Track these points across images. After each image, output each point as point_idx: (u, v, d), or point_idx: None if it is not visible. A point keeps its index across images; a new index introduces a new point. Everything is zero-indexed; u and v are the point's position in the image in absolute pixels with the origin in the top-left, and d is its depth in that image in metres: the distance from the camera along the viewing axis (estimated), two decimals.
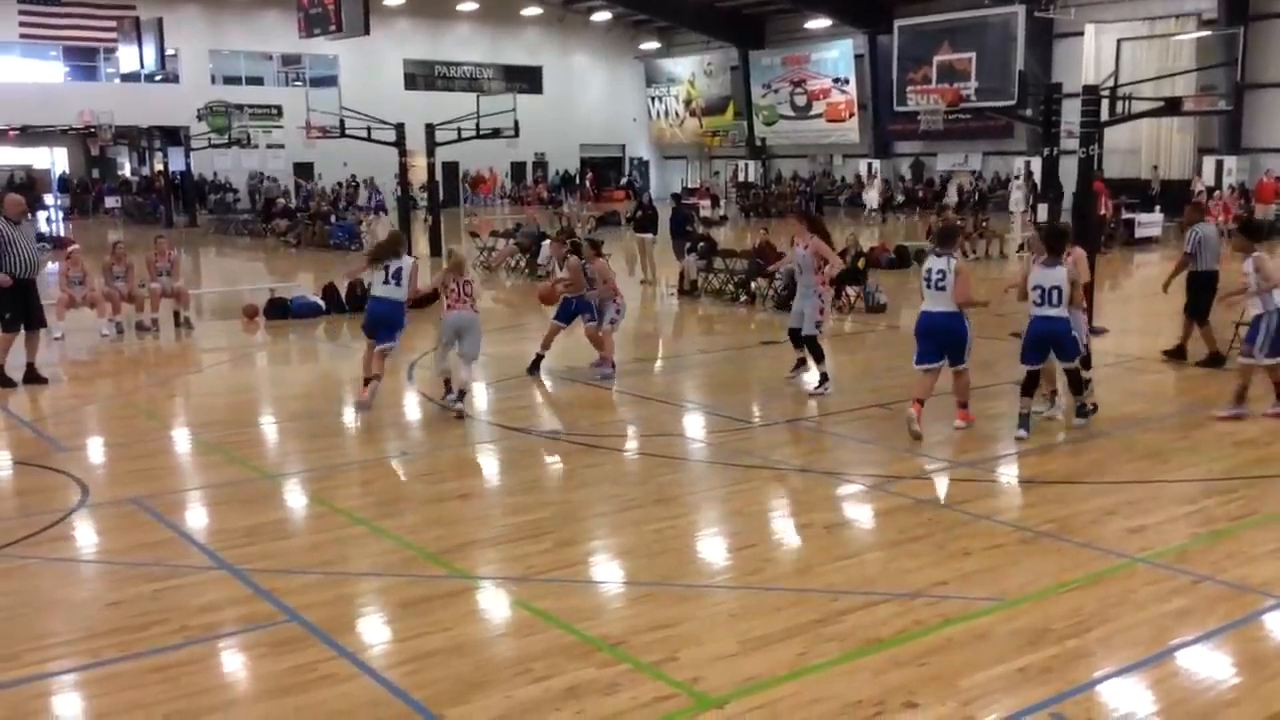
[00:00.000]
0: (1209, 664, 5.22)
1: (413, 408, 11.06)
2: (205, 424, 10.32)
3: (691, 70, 52.74)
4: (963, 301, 9.18)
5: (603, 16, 51.76)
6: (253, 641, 5.54)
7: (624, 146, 56.52)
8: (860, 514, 7.66)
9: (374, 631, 5.72)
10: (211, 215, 41.26)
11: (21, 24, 36.75)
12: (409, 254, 10.94)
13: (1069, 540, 6.76)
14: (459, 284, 10.62)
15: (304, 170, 46.04)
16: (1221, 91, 18.25)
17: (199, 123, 38.34)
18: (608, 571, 6.58)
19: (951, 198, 38.35)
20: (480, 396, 11.23)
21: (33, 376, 11.80)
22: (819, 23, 45.16)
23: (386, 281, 10.62)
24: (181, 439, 9.93)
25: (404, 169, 27.76)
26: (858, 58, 44.53)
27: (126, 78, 41.83)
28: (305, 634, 5.55)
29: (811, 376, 11.24)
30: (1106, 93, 15.22)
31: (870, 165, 44.82)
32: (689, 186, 47.74)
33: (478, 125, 29.07)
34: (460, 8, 49.51)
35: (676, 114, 53.98)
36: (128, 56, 39.16)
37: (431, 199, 29.27)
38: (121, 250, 16.05)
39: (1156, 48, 29.68)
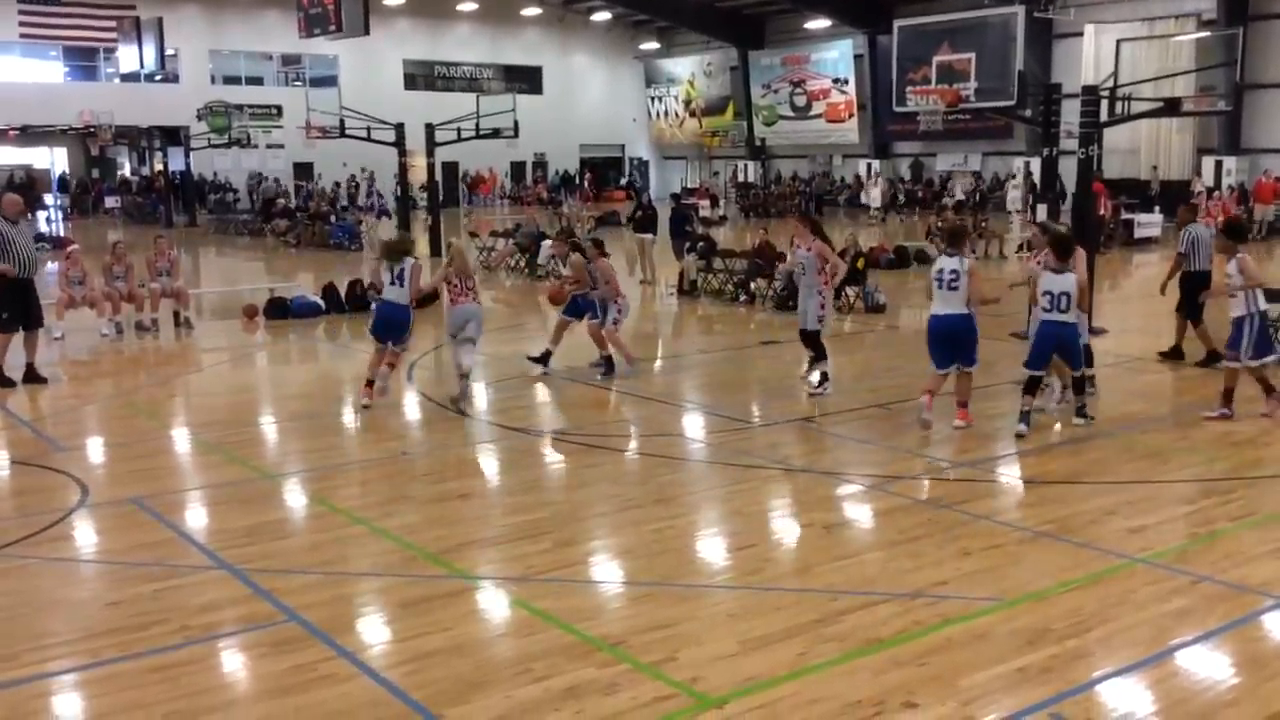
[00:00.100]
0: (1208, 664, 5.22)
1: (413, 408, 11.06)
2: (205, 424, 10.32)
3: (691, 70, 52.74)
4: (978, 300, 9.32)
5: (602, 16, 51.76)
6: (252, 641, 5.54)
7: (624, 147, 56.51)
8: (860, 514, 7.67)
9: (374, 631, 5.72)
10: (211, 215, 41.24)
11: (21, 24, 36.75)
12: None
13: (1068, 540, 6.77)
14: (460, 278, 10.83)
15: (304, 170, 46.03)
16: (1221, 92, 18.25)
17: (199, 123, 38.34)
18: (607, 571, 6.58)
19: (959, 197, 38.38)
20: (480, 396, 11.23)
21: (32, 376, 11.80)
22: (819, 23, 45.15)
23: (393, 283, 10.72)
24: (181, 439, 9.93)
25: (404, 169, 27.76)
26: (857, 58, 44.52)
27: (126, 77, 41.83)
28: (305, 634, 5.55)
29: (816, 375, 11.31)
30: (1106, 93, 15.23)
31: (870, 165, 44.82)
32: (688, 186, 47.75)
33: (477, 125, 29.07)
34: (460, 8, 49.51)
35: (676, 114, 53.98)
36: (127, 56, 39.15)
37: (431, 199, 29.29)
38: (121, 250, 16.05)
39: (1156, 48, 29.67)
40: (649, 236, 21.26)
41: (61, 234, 33.24)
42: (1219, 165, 33.20)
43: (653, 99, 54.99)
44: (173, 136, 41.14)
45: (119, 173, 50.26)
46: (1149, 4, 34.24)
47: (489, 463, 9.14)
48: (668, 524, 7.23)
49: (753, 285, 18.02)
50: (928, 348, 9.59)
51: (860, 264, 17.34)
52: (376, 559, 6.70)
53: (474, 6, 49.33)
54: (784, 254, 18.03)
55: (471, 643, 5.50)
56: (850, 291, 16.70)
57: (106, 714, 4.87)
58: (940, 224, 26.14)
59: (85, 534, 7.28)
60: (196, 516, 7.66)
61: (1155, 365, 12.34)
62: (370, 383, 10.69)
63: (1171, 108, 16.04)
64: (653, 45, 54.14)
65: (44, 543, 6.98)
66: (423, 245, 26.15)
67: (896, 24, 17.63)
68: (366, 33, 29.53)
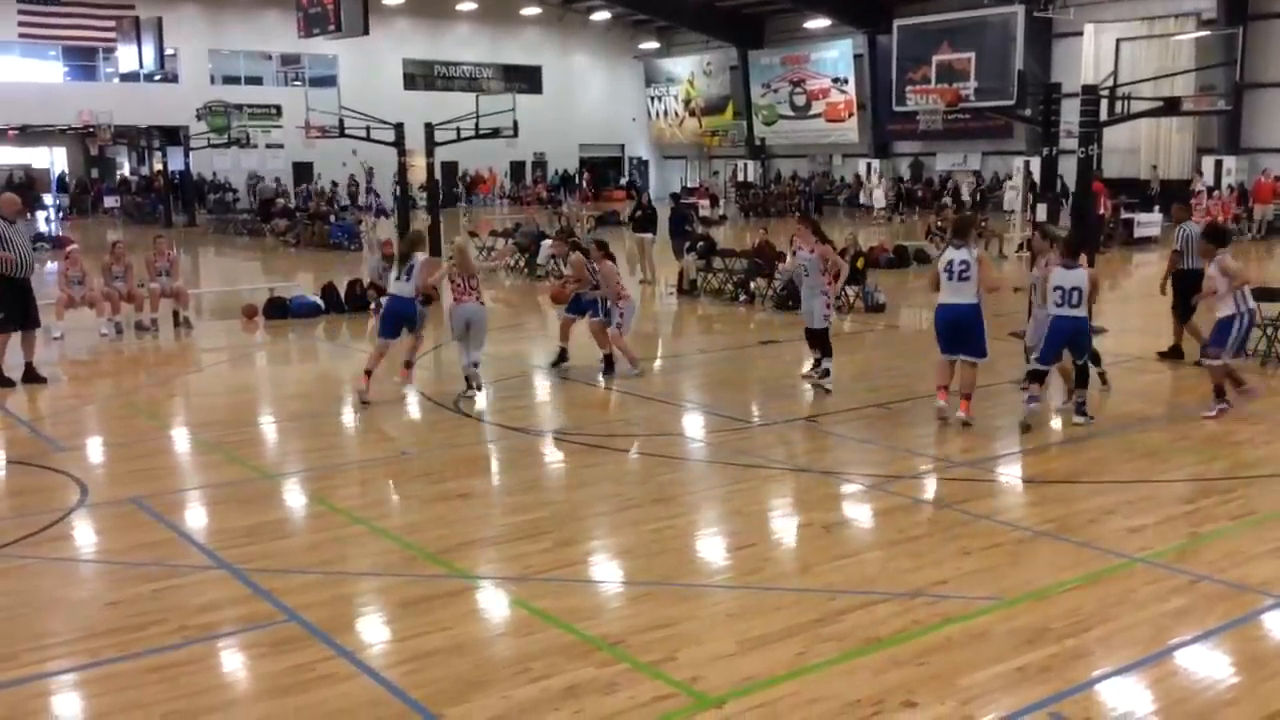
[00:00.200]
0: (1208, 663, 5.22)
1: (412, 408, 11.06)
2: (204, 424, 10.32)
3: (691, 70, 52.73)
4: (990, 287, 9.55)
5: (602, 16, 51.74)
6: (252, 641, 5.54)
7: (623, 146, 56.51)
8: (859, 513, 7.67)
9: (373, 631, 5.72)
10: (210, 215, 41.25)
11: (21, 24, 36.71)
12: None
13: (1068, 540, 6.77)
14: (463, 278, 10.99)
15: (304, 170, 46.02)
16: (1220, 91, 18.26)
17: (198, 122, 38.34)
18: (607, 571, 6.58)
19: (964, 196, 38.42)
20: (480, 396, 11.22)
21: (32, 376, 11.80)
22: (818, 22, 45.14)
23: (399, 278, 11.01)
24: (181, 439, 9.93)
25: (403, 169, 27.75)
26: (857, 57, 44.51)
27: (126, 77, 41.82)
28: (304, 633, 5.55)
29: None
30: (1105, 92, 15.23)
31: (870, 165, 44.85)
32: (688, 186, 47.77)
33: (477, 125, 29.04)
34: (459, 7, 49.49)
35: (676, 114, 53.97)
36: (127, 56, 39.13)
37: (431, 199, 29.28)
38: (121, 250, 16.05)
39: (1156, 47, 29.67)
40: (649, 236, 21.26)
41: (60, 234, 33.21)
42: (1219, 165, 33.19)
43: (652, 98, 54.98)
44: (172, 136, 41.13)
45: (118, 172, 50.25)
46: (1149, 3, 34.23)
47: (489, 462, 9.14)
48: (667, 524, 7.23)
49: (752, 285, 18.02)
50: (936, 335, 9.78)
51: (860, 264, 17.34)
52: (376, 559, 6.70)
53: (473, 6, 49.32)
54: (784, 254, 18.04)
55: (471, 642, 5.50)
56: (850, 291, 16.70)
57: (105, 714, 4.87)
58: (940, 223, 26.16)
59: (85, 534, 7.28)
60: (196, 516, 7.66)
61: (1155, 365, 12.34)
62: (368, 373, 10.86)
63: (1171, 107, 16.05)
64: (652, 45, 54.13)
65: (43, 542, 6.98)
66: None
67: (896, 23, 17.63)
68: (366, 32, 29.47)
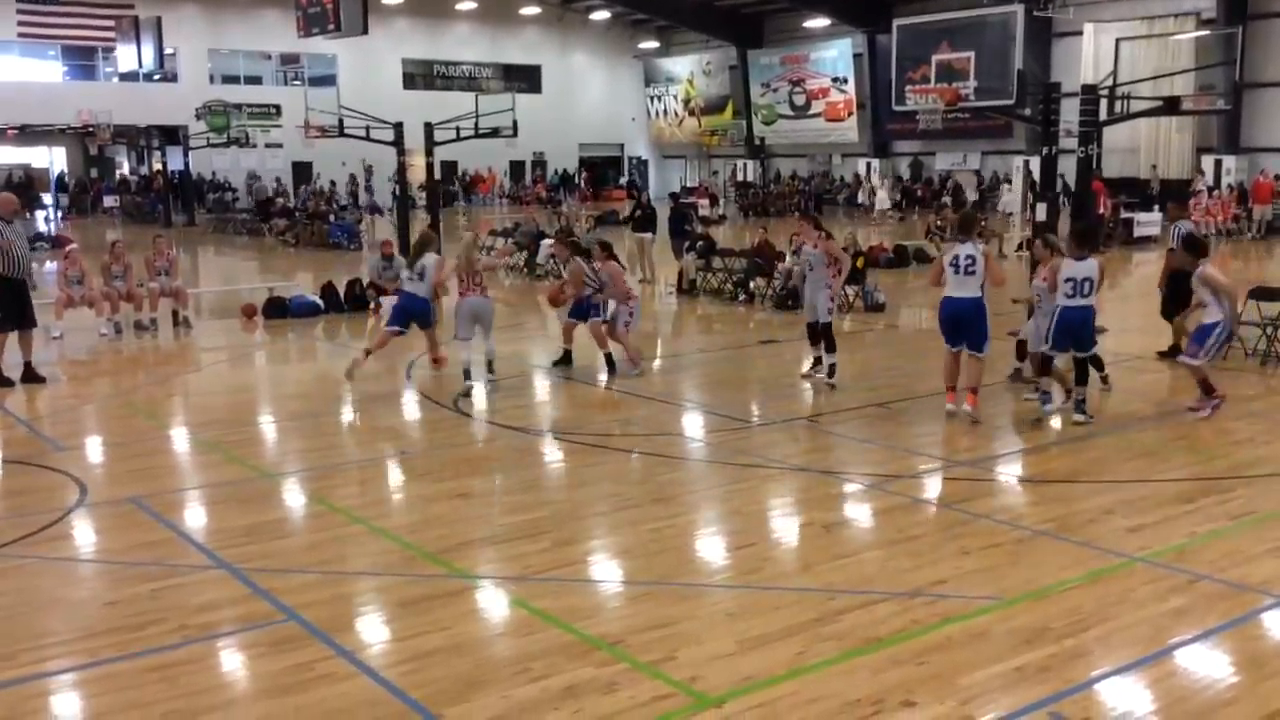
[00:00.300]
0: (1207, 663, 5.22)
1: (412, 407, 11.06)
2: (204, 423, 10.31)
3: (690, 69, 52.73)
4: (996, 282, 9.78)
5: (601, 16, 51.74)
6: (251, 641, 5.53)
7: (623, 146, 56.50)
8: (859, 513, 7.66)
9: (372, 631, 5.72)
10: (210, 215, 41.25)
11: (20, 23, 36.68)
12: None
13: (1067, 539, 6.77)
14: (468, 272, 11.29)
15: (303, 169, 46.01)
16: (1220, 91, 18.30)
17: (197, 122, 38.33)
18: (606, 571, 6.58)
19: (971, 196, 38.43)
20: (479, 396, 11.23)
21: (31, 376, 11.79)
22: (818, 22, 45.14)
23: (412, 277, 11.48)
24: (180, 438, 9.93)
25: (403, 168, 27.73)
26: (856, 57, 44.51)
27: (125, 77, 41.80)
28: (304, 633, 5.55)
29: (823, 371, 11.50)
30: (1105, 92, 15.24)
31: (870, 165, 44.86)
32: (688, 186, 47.77)
33: (476, 124, 29.02)
34: (459, 7, 49.48)
35: (675, 113, 53.97)
36: (126, 56, 39.09)
37: (430, 198, 29.26)
38: (120, 250, 16.05)
39: (1155, 47, 29.69)
40: (648, 236, 21.26)
41: (58, 233, 33.21)
42: (1218, 164, 33.20)
43: (652, 98, 54.98)
44: (171, 136, 41.14)
45: (118, 172, 50.28)
46: (1148, 3, 34.23)
47: (488, 462, 9.14)
48: (666, 523, 7.23)
49: (752, 284, 18.01)
50: (940, 327, 9.96)
51: (860, 263, 17.34)
52: (375, 558, 6.70)
53: (473, 6, 49.30)
54: (783, 253, 18.05)
55: (470, 642, 5.49)
56: (850, 291, 16.70)
57: (105, 714, 4.87)
58: (940, 222, 26.17)
59: (84, 533, 7.28)
60: (195, 516, 7.66)
61: (1154, 364, 12.35)
62: (368, 352, 11.43)
63: (1171, 106, 16.07)
64: (652, 44, 54.12)
65: (42, 542, 6.98)
66: None
67: (896, 23, 17.66)
68: (365, 32, 29.43)
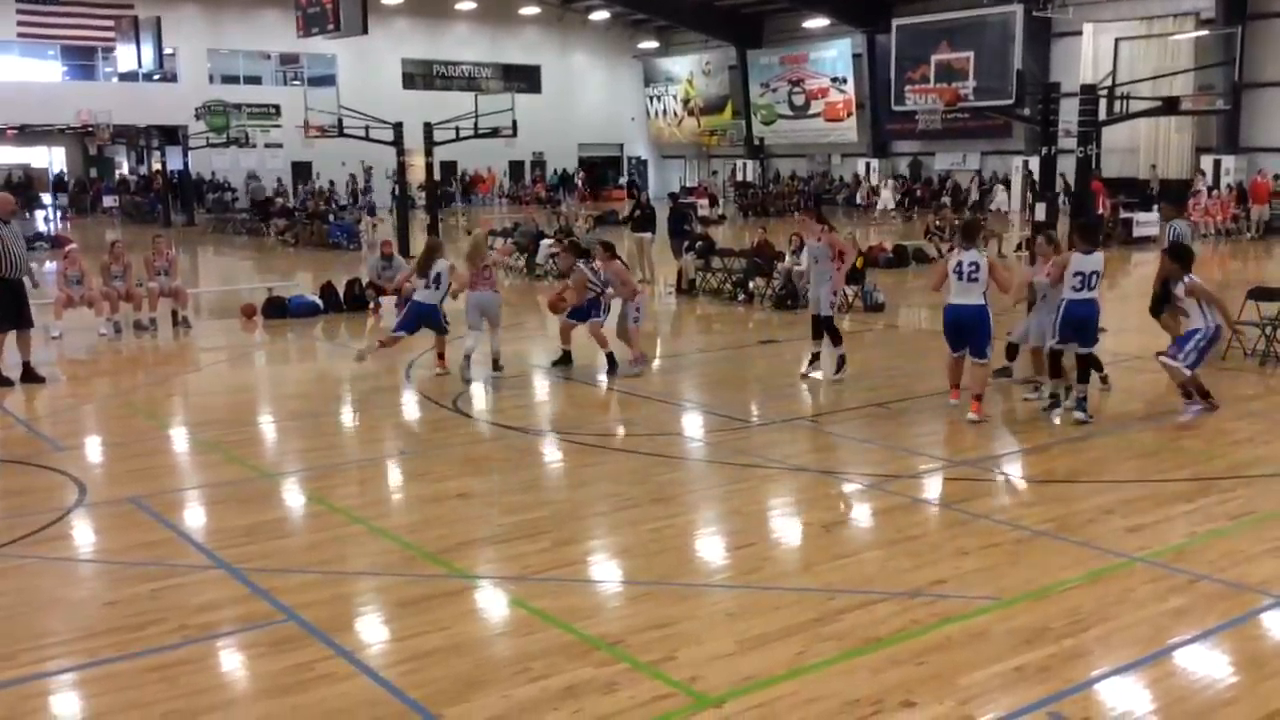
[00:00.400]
0: (1207, 663, 5.22)
1: (411, 407, 11.06)
2: (203, 423, 10.31)
3: (690, 69, 52.73)
4: (1005, 289, 9.97)
5: (601, 16, 51.73)
6: (251, 641, 5.53)
7: (622, 146, 56.51)
8: (858, 513, 7.67)
9: (372, 630, 5.72)
10: (209, 215, 41.25)
11: (20, 23, 36.68)
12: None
13: (1067, 539, 6.77)
14: (479, 266, 11.79)
15: (303, 169, 46.00)
16: (1219, 91, 18.30)
17: (197, 122, 38.34)
18: (606, 571, 6.58)
19: (975, 196, 38.48)
20: (478, 396, 11.24)
21: (30, 376, 11.79)
22: (817, 22, 45.14)
23: (428, 286, 11.84)
24: (179, 438, 9.93)
25: (402, 168, 27.74)
26: (856, 57, 44.52)
27: (124, 77, 41.80)
28: (303, 633, 5.55)
29: (823, 370, 11.60)
30: (1104, 92, 15.25)
31: (869, 165, 44.89)
32: (687, 186, 47.77)
33: (476, 124, 29.05)
34: (459, 7, 49.48)
35: (675, 113, 53.97)
36: (126, 56, 39.11)
37: (430, 198, 29.29)
38: (119, 249, 16.04)
39: (1154, 47, 29.71)
40: (647, 236, 21.26)
41: (57, 233, 33.21)
42: (1217, 164, 33.21)
43: (651, 98, 54.99)
44: (171, 136, 41.14)
45: (117, 172, 50.30)
46: (1147, 3, 34.24)
47: (487, 462, 9.13)
48: (666, 523, 7.23)
49: (751, 284, 18.01)
50: (944, 333, 10.07)
51: (859, 263, 17.34)
52: (375, 558, 6.70)
53: (472, 6, 49.30)
54: (782, 253, 18.05)
55: (470, 642, 5.49)
56: (849, 290, 16.70)
57: (104, 714, 4.87)
58: (938, 222, 26.16)
59: (83, 533, 7.28)
60: (195, 516, 7.65)
61: (1154, 364, 12.29)
62: (382, 344, 11.93)
63: (1170, 106, 16.09)
64: (651, 44, 54.12)
65: (42, 542, 6.98)
66: (421, 245, 26.13)
67: (895, 23, 17.67)
68: (365, 32, 29.48)
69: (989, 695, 4.83)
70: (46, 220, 41.76)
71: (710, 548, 6.96)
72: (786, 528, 7.36)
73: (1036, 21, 30.90)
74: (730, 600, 5.96)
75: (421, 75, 50.10)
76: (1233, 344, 12.22)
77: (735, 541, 6.97)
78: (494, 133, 29.63)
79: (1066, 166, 16.65)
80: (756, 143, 49.74)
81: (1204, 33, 30.30)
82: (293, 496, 8.13)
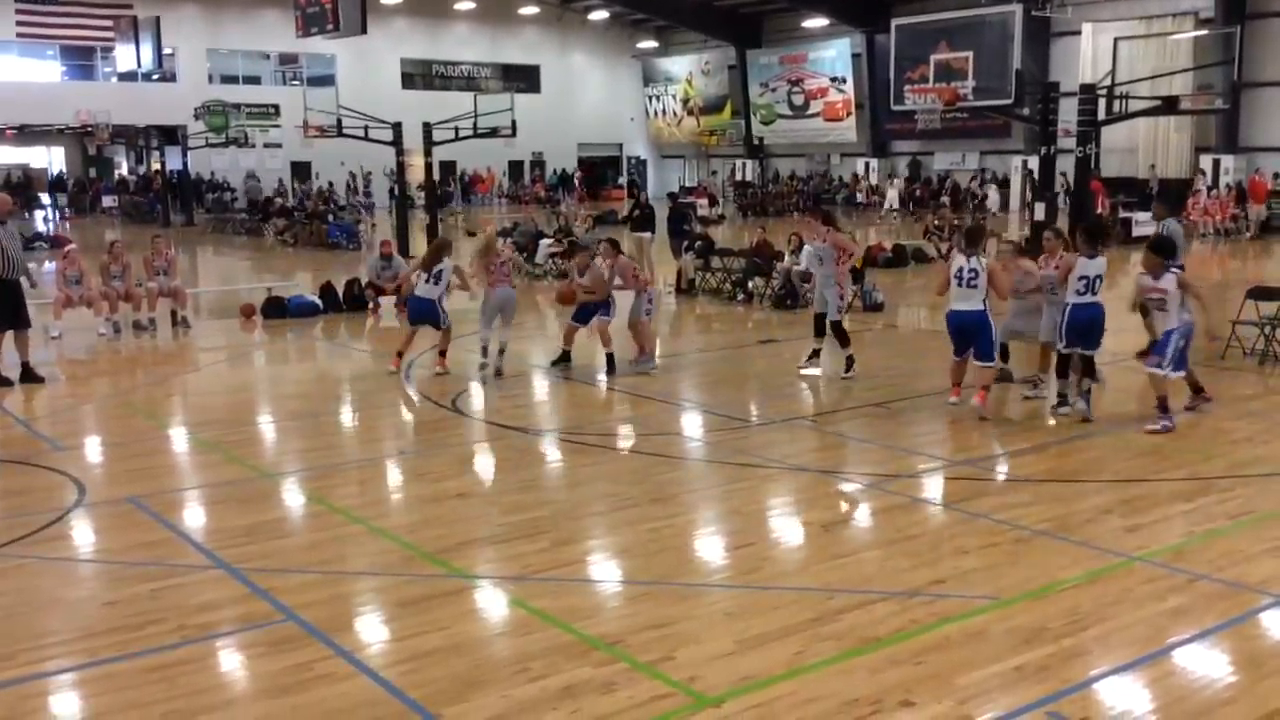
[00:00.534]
0: (1206, 662, 5.22)
1: (411, 407, 11.06)
2: (203, 423, 10.31)
3: (689, 69, 52.73)
4: (1002, 295, 9.99)
5: (600, 15, 51.74)
6: (250, 641, 5.53)
7: (621, 146, 56.51)
8: (857, 513, 7.67)
9: (371, 630, 5.72)
10: (209, 214, 41.24)
11: (19, 23, 36.67)
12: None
13: (1066, 539, 6.77)
14: (496, 263, 12.06)
15: (302, 169, 45.99)
16: (1219, 90, 18.31)
17: (196, 122, 38.33)
18: (605, 570, 6.59)
19: (980, 197, 38.51)
20: (477, 396, 11.24)
21: (29, 375, 11.79)
22: (816, 22, 45.15)
23: (428, 281, 11.90)
24: (179, 438, 9.92)
25: (401, 168, 27.73)
26: (855, 57, 44.52)
27: (124, 77, 41.78)
28: (303, 633, 5.55)
29: (823, 367, 11.70)
30: (1104, 91, 15.25)
31: (868, 164, 44.89)
32: (686, 185, 47.78)
33: (475, 124, 29.03)
34: (458, 7, 49.48)
35: (674, 113, 53.97)
36: (125, 56, 39.10)
37: (429, 198, 29.28)
38: (119, 249, 16.04)
39: (1154, 47, 29.73)
40: (647, 235, 21.24)
41: (56, 233, 33.21)
42: (1217, 164, 33.22)
43: (650, 98, 54.99)
44: (170, 136, 41.13)
45: (116, 172, 50.28)
46: (1146, 2, 34.23)
47: (487, 462, 9.14)
48: (665, 523, 7.23)
49: (751, 284, 18.02)
50: (949, 336, 10.16)
51: (859, 263, 17.34)
52: (374, 558, 6.70)
53: (472, 5, 49.30)
54: (782, 253, 18.05)
55: (469, 642, 5.50)
56: (849, 290, 16.68)
57: (104, 713, 4.87)
58: (937, 222, 26.18)
59: (83, 533, 7.28)
60: (194, 516, 7.66)
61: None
62: (400, 354, 11.99)
63: (1169, 106, 16.10)
64: (650, 44, 54.12)
65: (41, 542, 6.98)
66: (421, 245, 26.12)
67: (894, 23, 17.67)
68: (364, 32, 29.46)
69: (988, 695, 4.84)
70: (46, 220, 41.75)
71: (709, 547, 6.96)
72: (785, 527, 7.37)
73: (1035, 21, 30.88)
74: (729, 600, 5.96)
75: (421, 75, 50.10)
76: (1231, 343, 12.24)
77: (734, 541, 6.97)
78: (493, 133, 29.61)
79: (1065, 166, 16.64)
80: (756, 142, 49.75)
81: (1203, 32, 30.32)
82: (292, 496, 8.13)
